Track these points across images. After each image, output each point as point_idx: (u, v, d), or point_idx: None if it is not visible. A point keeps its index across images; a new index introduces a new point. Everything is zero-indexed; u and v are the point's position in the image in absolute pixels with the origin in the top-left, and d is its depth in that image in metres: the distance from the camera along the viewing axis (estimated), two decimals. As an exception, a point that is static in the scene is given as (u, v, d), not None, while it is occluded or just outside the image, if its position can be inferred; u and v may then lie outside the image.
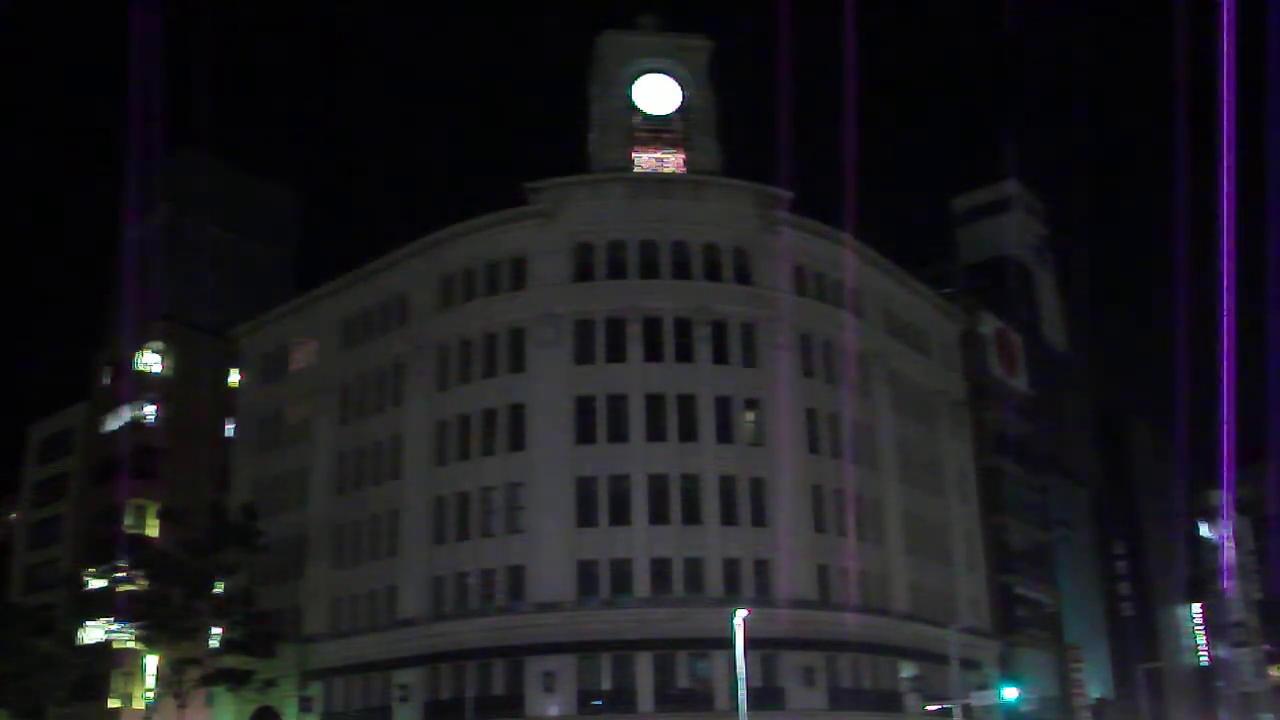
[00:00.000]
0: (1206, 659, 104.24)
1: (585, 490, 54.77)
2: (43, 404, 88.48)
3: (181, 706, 58.08)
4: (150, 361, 79.17)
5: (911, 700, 56.56)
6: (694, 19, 67.85)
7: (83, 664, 69.69)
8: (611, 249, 58.50)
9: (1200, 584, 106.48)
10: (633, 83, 63.99)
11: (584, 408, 55.90)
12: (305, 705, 59.26)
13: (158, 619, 58.69)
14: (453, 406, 58.60)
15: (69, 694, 68.94)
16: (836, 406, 59.58)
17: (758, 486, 55.79)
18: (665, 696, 51.78)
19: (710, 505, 54.83)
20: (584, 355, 56.82)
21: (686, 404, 56.04)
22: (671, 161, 62.79)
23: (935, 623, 59.55)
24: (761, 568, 54.57)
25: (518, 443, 56.33)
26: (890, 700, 56.96)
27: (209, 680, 58.69)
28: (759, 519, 55.35)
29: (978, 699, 54.03)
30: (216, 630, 61.25)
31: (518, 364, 57.54)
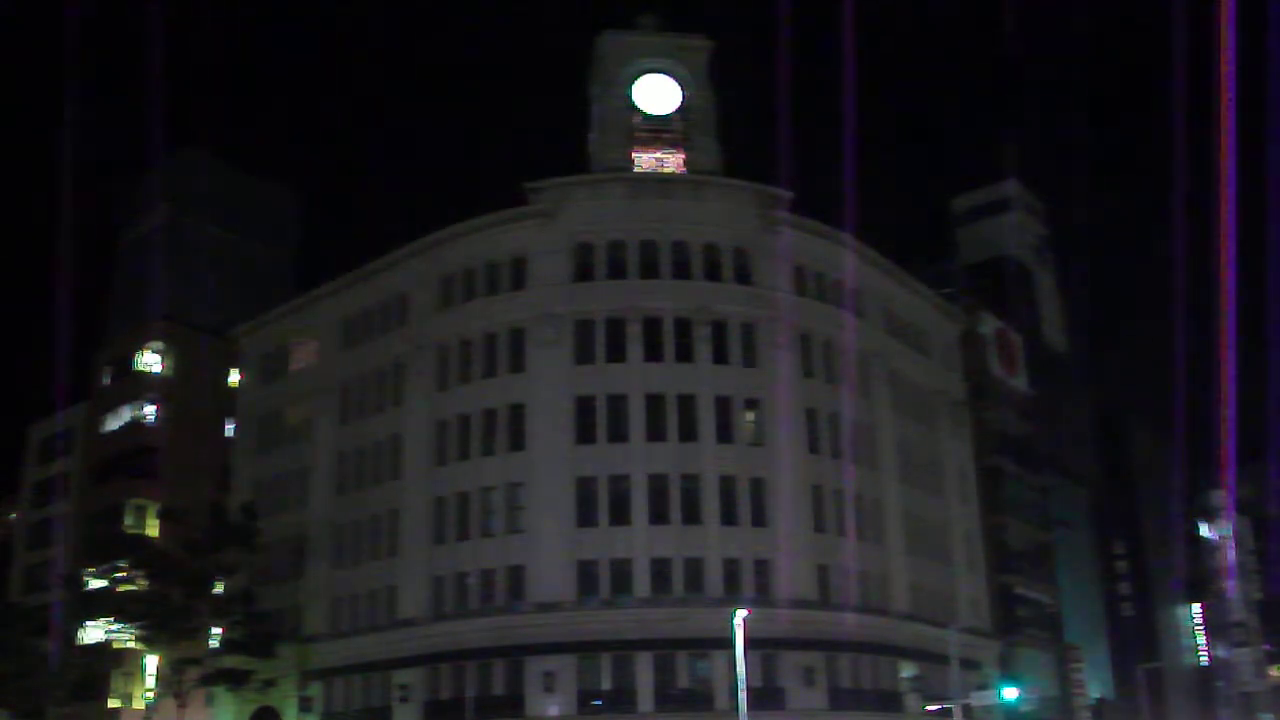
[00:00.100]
0: (1206, 659, 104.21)
1: (585, 490, 54.76)
2: (43, 404, 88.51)
3: (181, 706, 58.06)
4: (150, 361, 79.19)
5: (911, 700, 56.56)
6: (694, 19, 67.78)
7: (83, 664, 69.73)
8: (611, 249, 58.50)
9: (1200, 584, 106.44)
10: (633, 83, 64.00)
11: (584, 408, 55.90)
12: (305, 705, 59.26)
13: (158, 619, 58.65)
14: (453, 406, 58.60)
15: (69, 694, 68.95)
16: (836, 406, 59.57)
17: (758, 486, 55.78)
18: (665, 696, 51.76)
19: (710, 505, 54.83)
20: (584, 355, 56.81)
21: (686, 404, 56.04)
22: (671, 161, 62.79)
23: (935, 623, 59.54)
24: (761, 568, 54.56)
25: (518, 443, 56.32)
26: (890, 700, 56.95)
27: (209, 680, 58.68)
28: (759, 519, 55.34)
29: (978, 699, 54.01)
30: (216, 630, 61.25)
31: (518, 364, 57.54)
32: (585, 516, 54.47)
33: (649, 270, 58.13)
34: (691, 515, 54.53)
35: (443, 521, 57.34)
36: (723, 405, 56.43)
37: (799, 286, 60.20)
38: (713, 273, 58.58)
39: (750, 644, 45.76)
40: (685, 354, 56.78)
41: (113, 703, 71.02)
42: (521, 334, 57.67)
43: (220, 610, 59.81)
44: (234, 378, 74.69)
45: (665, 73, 64.31)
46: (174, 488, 72.58)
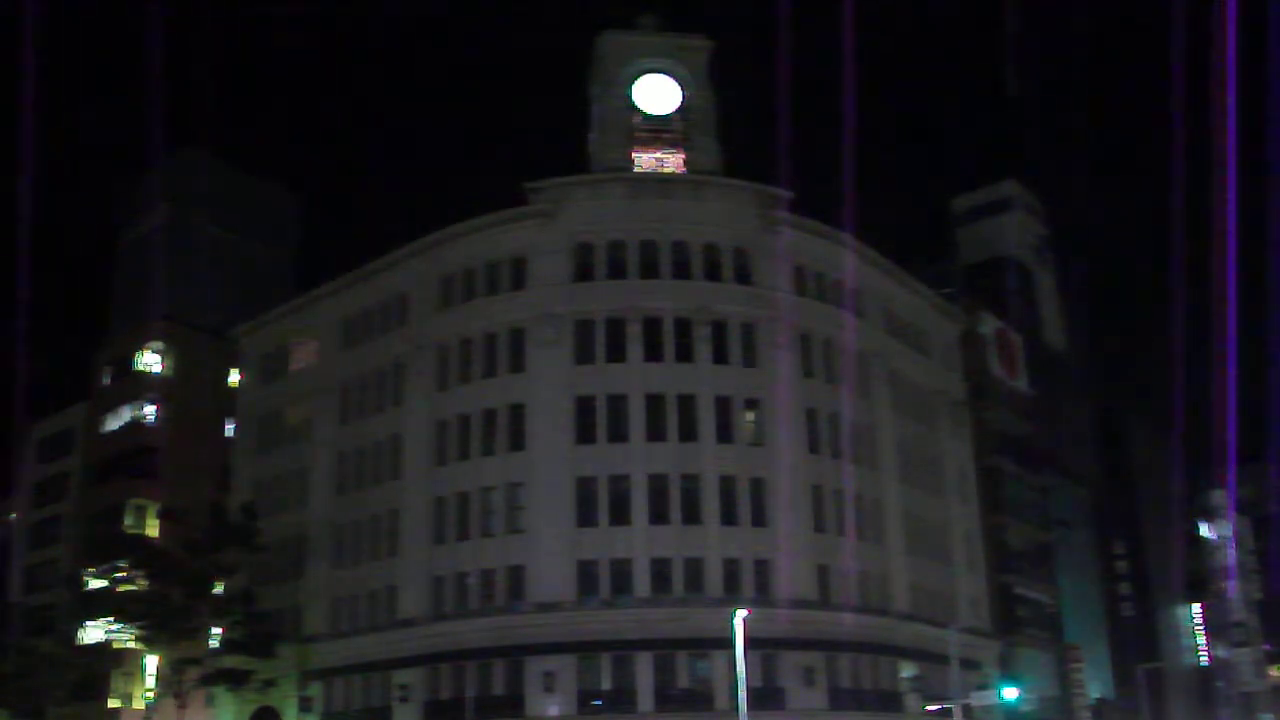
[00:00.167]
0: (1206, 659, 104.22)
1: (585, 490, 54.75)
2: (43, 404, 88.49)
3: (181, 706, 58.06)
4: (150, 361, 79.17)
5: (911, 700, 56.56)
6: (694, 19, 67.77)
7: (83, 664, 69.73)
8: (611, 249, 58.49)
9: (1200, 584, 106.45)
10: (633, 83, 63.99)
11: (584, 408, 55.89)
12: (305, 705, 59.26)
13: (158, 619, 58.65)
14: (453, 406, 58.60)
15: (69, 694, 68.96)
16: (836, 406, 59.56)
17: (758, 486, 55.77)
18: (665, 696, 51.76)
19: (710, 505, 54.82)
20: (584, 355, 56.80)
21: (686, 404, 56.03)
22: (671, 161, 62.79)
23: (935, 623, 59.54)
24: (761, 568, 54.56)
25: (518, 443, 56.31)
26: (890, 700, 56.95)
27: (209, 680, 58.68)
28: (759, 519, 55.34)
29: (978, 699, 53.99)
30: (216, 630, 61.25)
31: (518, 364, 57.53)
32: (585, 516, 54.46)
33: (649, 270, 58.12)
34: (691, 515, 54.52)
35: (443, 521, 57.33)
36: (723, 405, 56.42)
37: (799, 286, 60.20)
38: (713, 273, 58.57)
39: (750, 644, 45.76)
40: (685, 354, 56.77)
41: (113, 703, 71.01)
42: (521, 334, 57.67)
43: (220, 610, 59.81)
44: (234, 378, 74.68)
45: (665, 73, 64.30)
46: (174, 488, 72.57)
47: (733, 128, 64.81)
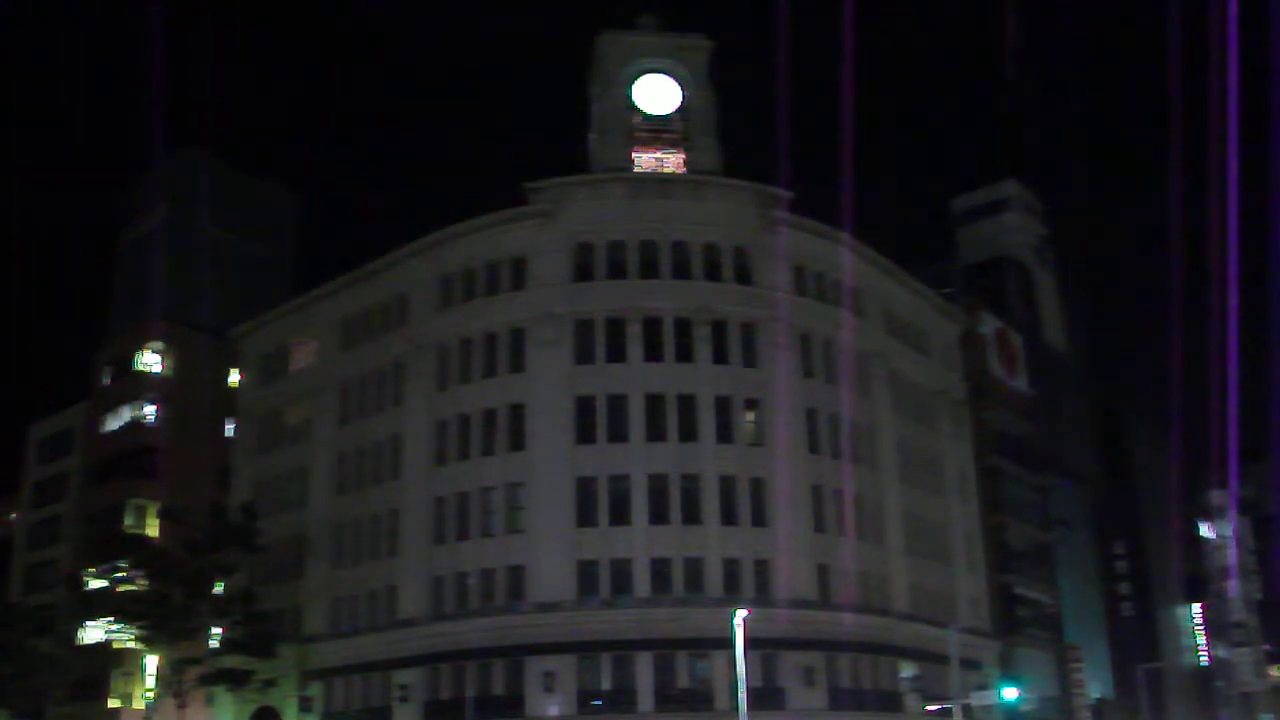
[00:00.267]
0: (1206, 659, 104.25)
1: (585, 490, 54.75)
2: (43, 404, 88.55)
3: (181, 706, 58.07)
4: (150, 361, 79.18)
5: (911, 700, 56.54)
6: (694, 19, 67.81)
7: (83, 664, 69.72)
8: (611, 249, 58.49)
9: (1200, 584, 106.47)
10: (633, 83, 64.00)
11: (584, 408, 55.89)
12: (305, 705, 59.26)
13: (158, 619, 58.65)
14: (453, 406, 58.60)
15: (69, 694, 68.94)
16: (836, 406, 59.56)
17: (758, 486, 55.77)
18: (665, 696, 51.75)
19: (710, 505, 54.82)
20: (584, 355, 56.80)
21: (686, 404, 56.03)
22: (671, 161, 62.80)
23: (935, 623, 59.54)
24: (761, 568, 54.56)
25: (518, 443, 56.32)
26: (890, 700, 56.95)
27: (209, 680, 58.66)
28: (759, 519, 55.34)
29: (978, 699, 53.99)
30: (216, 630, 61.23)
31: (518, 364, 57.53)
32: (585, 516, 54.47)
33: (649, 270, 58.12)
34: (691, 515, 54.52)
35: (443, 521, 57.34)
36: (723, 405, 56.43)
37: (799, 286, 60.21)
38: (713, 273, 58.58)
39: (750, 644, 45.76)
40: (685, 354, 56.77)
41: (113, 703, 71.02)
42: (521, 334, 57.67)
43: (220, 610, 59.81)
44: (234, 378, 74.70)
45: (665, 73, 64.32)
46: (174, 488, 72.56)
47: (733, 128, 64.96)
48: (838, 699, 54.09)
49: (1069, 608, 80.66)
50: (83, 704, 70.02)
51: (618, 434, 55.47)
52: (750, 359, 57.65)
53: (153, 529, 72.68)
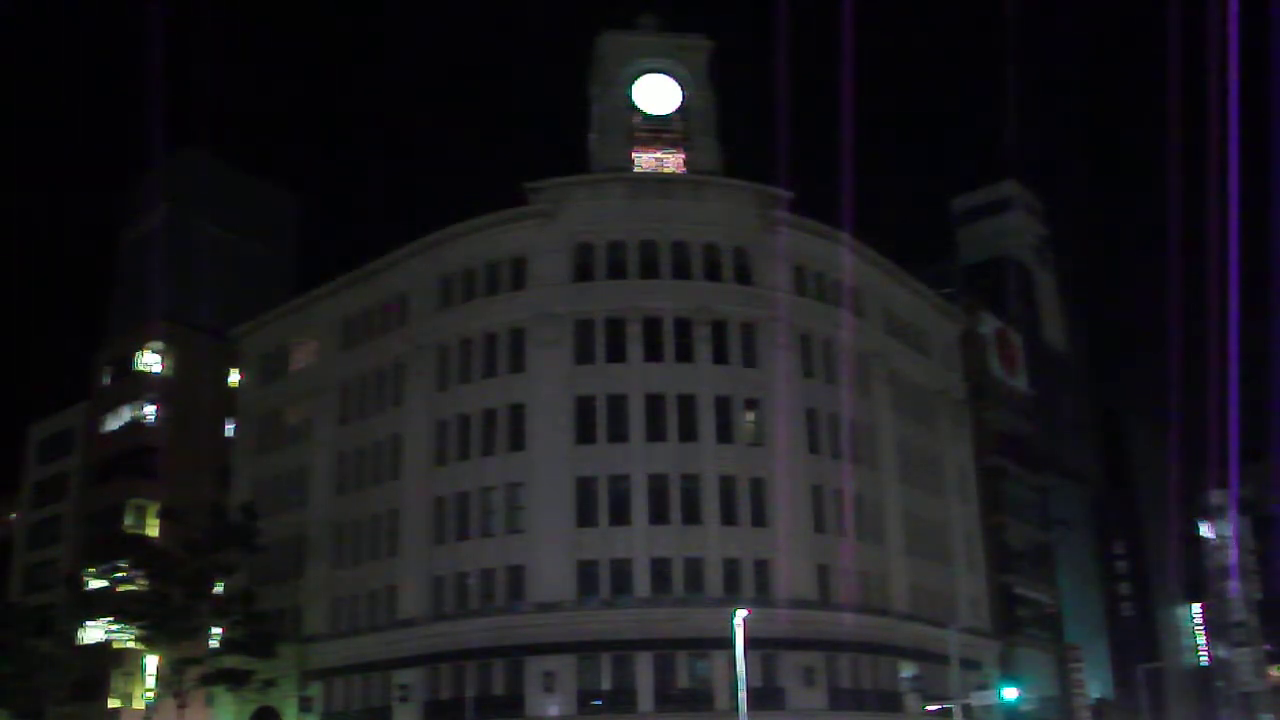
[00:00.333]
0: (1206, 659, 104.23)
1: (585, 490, 54.75)
2: (43, 404, 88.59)
3: (181, 706, 58.07)
4: (150, 361, 79.19)
5: (911, 700, 56.56)
6: (694, 19, 67.81)
7: (83, 664, 69.69)
8: (611, 249, 58.49)
9: (1200, 584, 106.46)
10: (633, 83, 64.00)
11: (584, 408, 55.90)
12: (305, 705, 59.27)
13: (158, 619, 58.68)
14: (453, 406, 58.60)
15: (69, 694, 68.92)
16: (836, 406, 59.56)
17: (758, 486, 55.76)
18: (665, 696, 51.75)
19: (710, 505, 54.82)
20: (584, 355, 56.80)
21: (686, 404, 56.03)
22: (671, 161, 62.79)
23: (935, 623, 59.52)
24: (761, 568, 54.55)
25: (518, 443, 56.32)
26: (890, 700, 56.95)
27: (209, 680, 58.66)
28: (759, 519, 55.33)
29: (978, 699, 54.01)
30: (216, 630, 61.24)
31: (518, 364, 57.53)
32: (585, 516, 54.47)
33: (649, 270, 58.12)
34: (691, 515, 54.52)
35: (443, 521, 57.34)
36: (723, 405, 56.43)
37: (799, 286, 60.21)
38: (713, 273, 58.58)
39: (750, 644, 45.75)
40: (685, 354, 56.77)
41: (113, 703, 71.01)
42: (521, 334, 57.67)
43: (220, 610, 59.81)
44: (234, 378, 74.71)
45: (665, 73, 64.31)
46: (174, 488, 72.58)
47: (733, 128, 64.98)
48: (838, 699, 54.09)
49: (1069, 608, 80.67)
50: (83, 704, 70.01)
51: (618, 434, 55.46)
52: (750, 359, 57.65)
53: (153, 529, 72.69)
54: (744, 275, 59.01)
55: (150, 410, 77.51)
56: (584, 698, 51.91)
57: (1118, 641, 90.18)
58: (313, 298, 69.09)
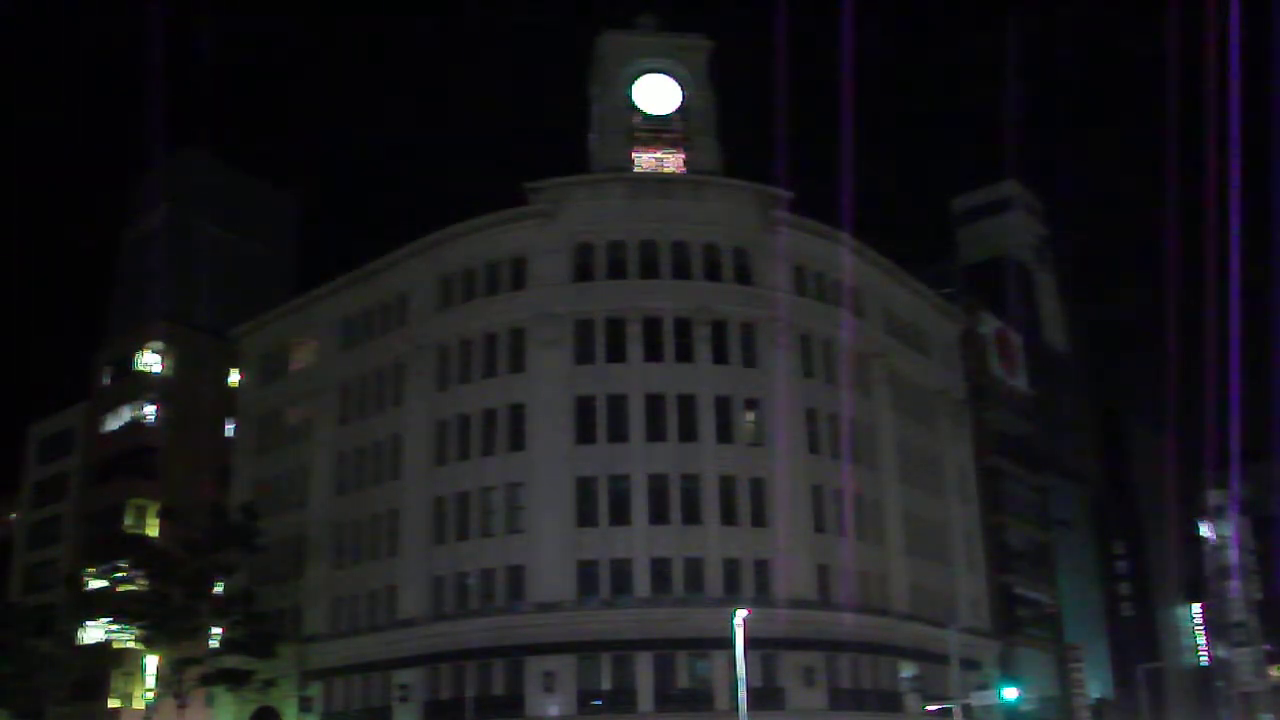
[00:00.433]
0: (1206, 659, 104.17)
1: (585, 490, 54.75)
2: (43, 404, 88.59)
3: (181, 706, 58.10)
4: (150, 361, 79.23)
5: (911, 700, 56.56)
6: (694, 19, 67.90)
7: (83, 664, 69.68)
8: (611, 249, 58.50)
9: (1200, 584, 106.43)
10: (633, 83, 64.00)
11: (584, 408, 55.89)
12: (305, 705, 59.26)
13: (158, 619, 58.72)
14: (453, 406, 58.61)
15: (69, 694, 68.92)
16: (836, 406, 59.57)
17: (758, 486, 55.77)
18: (665, 696, 51.75)
19: (710, 505, 54.81)
20: (584, 355, 56.81)
21: (686, 404, 56.03)
22: (671, 161, 62.79)
23: (935, 623, 59.53)
24: (761, 568, 54.55)
25: (518, 443, 56.32)
26: (890, 700, 56.95)
27: (209, 680, 58.70)
28: (759, 519, 55.33)
29: (978, 699, 54.01)
30: (216, 630, 61.26)
31: (518, 364, 57.54)
32: (585, 516, 54.47)
33: (649, 270, 58.12)
34: (691, 515, 54.52)
35: (443, 521, 57.33)
36: (723, 405, 56.43)
37: (799, 286, 60.21)
38: (713, 273, 58.58)
39: (750, 644, 45.76)
40: (685, 354, 56.77)
41: (113, 703, 71.05)
42: (521, 334, 57.67)
43: (220, 610, 59.84)
44: (234, 378, 74.71)
45: (665, 73, 64.31)
46: (174, 488, 72.63)
47: (733, 128, 64.98)
48: (838, 699, 54.10)
49: (1069, 608, 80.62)
50: (83, 704, 70.04)
51: (618, 434, 55.46)
52: (750, 359, 57.65)
53: (153, 529, 72.71)
54: (744, 275, 59.01)
55: (150, 410, 77.55)
56: (584, 698, 51.90)
57: (1118, 641, 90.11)
58: (313, 298, 69.09)
